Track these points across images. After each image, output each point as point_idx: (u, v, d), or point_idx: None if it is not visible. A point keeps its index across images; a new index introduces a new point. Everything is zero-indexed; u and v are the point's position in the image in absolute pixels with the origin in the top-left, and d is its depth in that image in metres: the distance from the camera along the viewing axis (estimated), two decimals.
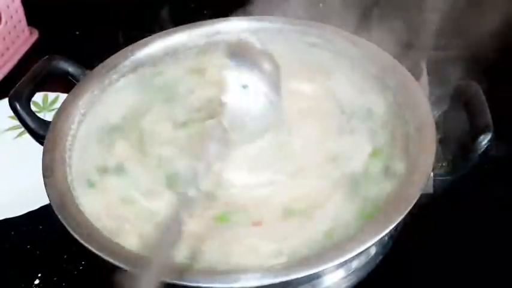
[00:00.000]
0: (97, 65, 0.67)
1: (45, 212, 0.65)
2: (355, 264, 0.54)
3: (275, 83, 0.56)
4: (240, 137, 0.56)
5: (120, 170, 0.58)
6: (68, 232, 0.50)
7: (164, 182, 0.57)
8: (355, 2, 0.80)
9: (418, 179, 0.51)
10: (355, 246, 0.47)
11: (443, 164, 0.53)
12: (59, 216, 0.51)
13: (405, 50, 0.83)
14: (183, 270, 0.47)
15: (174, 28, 0.72)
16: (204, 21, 0.73)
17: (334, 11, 0.76)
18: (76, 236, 0.50)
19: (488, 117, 0.53)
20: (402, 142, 0.57)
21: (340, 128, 0.60)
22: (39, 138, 0.61)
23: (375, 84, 0.64)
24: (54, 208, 0.52)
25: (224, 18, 0.73)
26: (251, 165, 0.56)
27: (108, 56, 0.68)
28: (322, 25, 0.70)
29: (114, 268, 0.52)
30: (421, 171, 0.52)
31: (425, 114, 0.57)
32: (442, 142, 0.57)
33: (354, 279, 0.54)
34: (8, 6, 0.93)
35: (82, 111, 0.63)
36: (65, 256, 0.65)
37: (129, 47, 0.69)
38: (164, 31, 0.71)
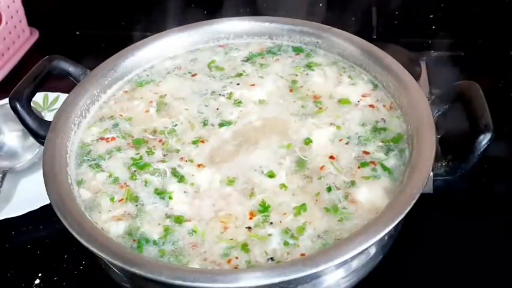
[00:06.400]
0: (97, 65, 0.67)
1: (45, 212, 0.65)
2: (355, 264, 0.54)
3: None
4: None
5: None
6: (68, 232, 0.50)
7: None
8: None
9: (418, 179, 0.51)
10: (355, 246, 0.47)
11: (443, 164, 0.53)
12: (59, 216, 0.51)
13: (405, 50, 0.84)
14: (182, 270, 0.48)
15: (174, 28, 0.72)
16: (204, 21, 0.73)
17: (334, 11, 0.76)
18: (76, 236, 0.50)
19: (488, 117, 0.52)
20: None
21: None
22: (39, 138, 0.61)
23: (373, 84, 0.65)
24: (55, 208, 0.52)
25: (224, 19, 0.73)
26: None
27: (108, 56, 0.68)
28: (322, 25, 0.70)
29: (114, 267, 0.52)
30: (420, 172, 0.52)
31: (425, 114, 0.57)
32: (442, 142, 0.57)
33: (354, 279, 0.54)
34: (8, 7, 0.94)
35: (82, 111, 0.63)
36: (65, 256, 0.65)
37: (129, 48, 0.69)
38: (164, 31, 0.72)
